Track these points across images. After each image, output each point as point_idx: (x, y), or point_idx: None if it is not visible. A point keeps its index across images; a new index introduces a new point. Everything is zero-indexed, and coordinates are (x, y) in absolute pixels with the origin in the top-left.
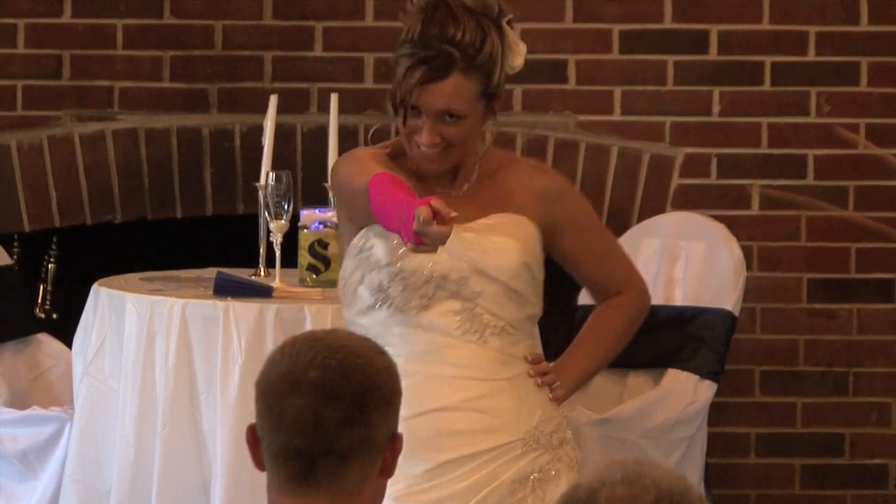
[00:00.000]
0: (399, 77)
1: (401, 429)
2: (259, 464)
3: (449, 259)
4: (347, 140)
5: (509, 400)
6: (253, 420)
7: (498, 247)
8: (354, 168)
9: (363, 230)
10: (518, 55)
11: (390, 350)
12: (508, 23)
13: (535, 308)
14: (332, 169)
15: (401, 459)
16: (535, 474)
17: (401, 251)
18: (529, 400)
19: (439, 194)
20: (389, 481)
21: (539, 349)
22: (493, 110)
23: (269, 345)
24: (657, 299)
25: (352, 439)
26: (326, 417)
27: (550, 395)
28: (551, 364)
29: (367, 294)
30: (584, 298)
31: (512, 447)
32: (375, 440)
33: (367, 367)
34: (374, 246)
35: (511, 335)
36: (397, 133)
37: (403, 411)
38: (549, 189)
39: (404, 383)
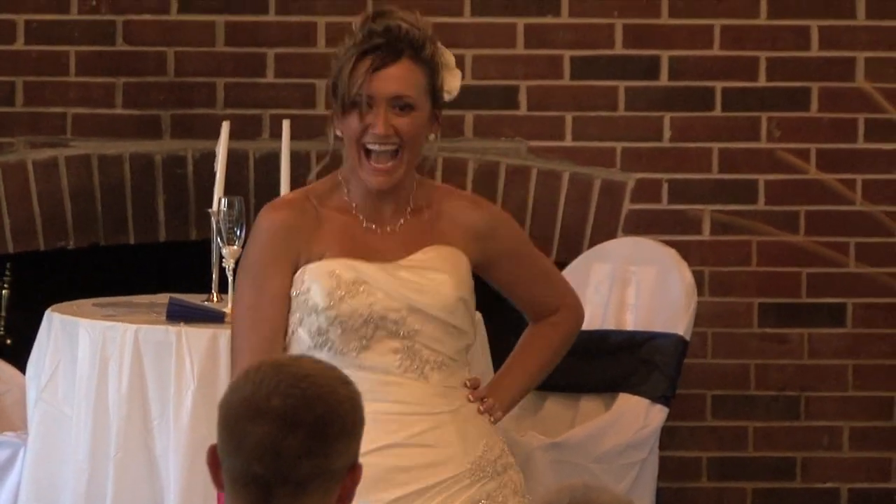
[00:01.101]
0: (346, 75)
1: None
2: (219, 485)
3: (386, 299)
4: (299, 165)
5: (454, 432)
6: (206, 445)
7: (434, 285)
8: (244, 273)
9: (298, 271)
10: (455, 78)
11: None
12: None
13: (470, 338)
14: (259, 218)
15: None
16: (484, 501)
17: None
18: (472, 429)
19: (371, 231)
20: None
21: (480, 374)
22: (437, 119)
23: (223, 370)
24: (609, 324)
25: (311, 468)
26: (286, 446)
27: (490, 419)
28: (486, 385)
29: (307, 337)
30: None
31: (460, 478)
32: (335, 469)
33: (330, 397)
34: (310, 289)
35: (449, 367)
36: (338, 166)
37: None
38: (480, 225)
39: None
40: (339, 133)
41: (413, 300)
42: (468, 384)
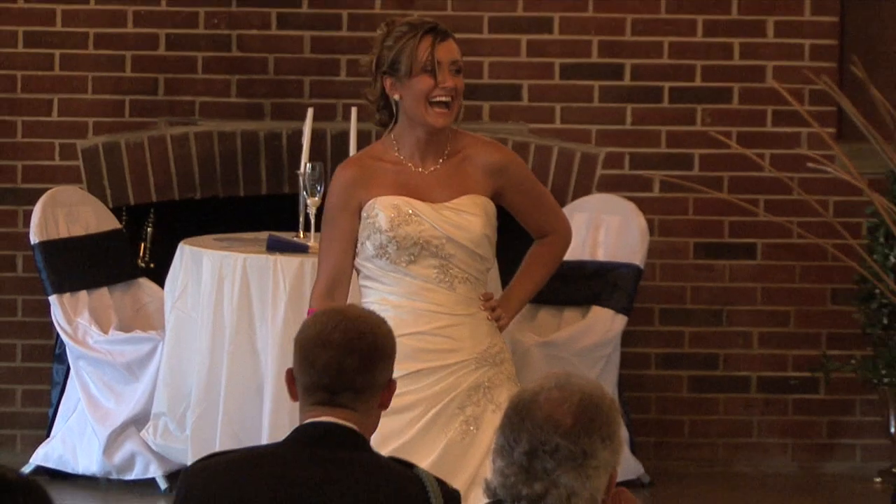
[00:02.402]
0: (413, 48)
1: None
2: (294, 396)
3: (430, 229)
4: (363, 141)
5: (467, 330)
6: (293, 342)
7: (467, 223)
8: (325, 217)
9: (370, 201)
10: None
11: (385, 288)
12: None
13: (490, 263)
14: (333, 176)
15: None
16: (486, 383)
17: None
18: (481, 331)
19: (416, 174)
20: None
21: (491, 288)
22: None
23: (307, 287)
24: (585, 256)
25: (363, 380)
26: (346, 365)
27: (497, 325)
28: (498, 297)
29: (371, 248)
30: None
31: (467, 364)
32: (378, 382)
33: (375, 331)
34: (378, 215)
35: (472, 283)
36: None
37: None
38: (495, 164)
39: (394, 313)
40: (397, 97)
41: (451, 233)
42: (482, 297)
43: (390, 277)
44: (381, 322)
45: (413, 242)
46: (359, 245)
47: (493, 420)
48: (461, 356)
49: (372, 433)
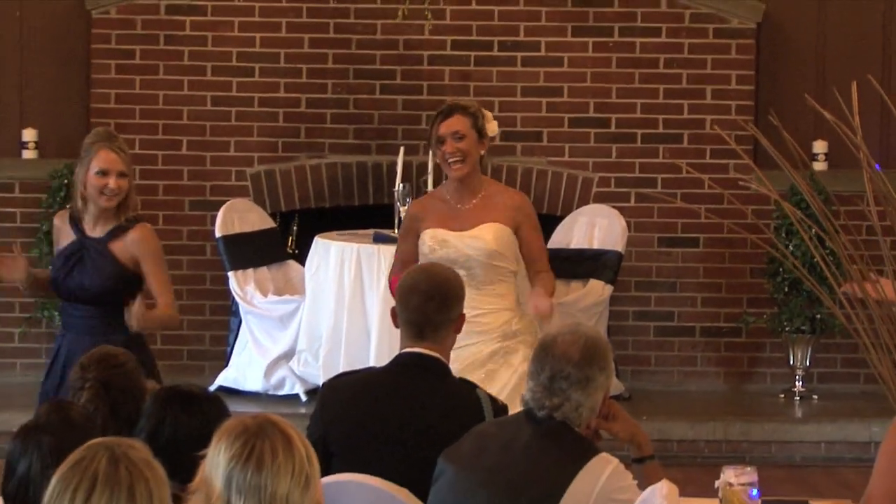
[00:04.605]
0: (433, 130)
1: None
2: (396, 325)
3: (456, 251)
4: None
5: (491, 317)
6: (391, 305)
7: (480, 244)
8: (401, 230)
9: (423, 232)
10: (492, 125)
11: None
12: (481, 113)
13: (513, 267)
14: (410, 205)
15: None
16: (503, 350)
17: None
18: (502, 318)
19: (457, 210)
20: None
21: (517, 293)
22: (484, 144)
23: None
24: (584, 245)
25: (442, 317)
26: (430, 307)
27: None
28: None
29: (423, 259)
30: None
31: (491, 333)
32: (453, 317)
33: (451, 282)
34: (424, 242)
35: (496, 284)
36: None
37: None
38: (514, 205)
39: None
40: (438, 160)
41: (469, 253)
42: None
43: None
44: (454, 274)
45: (446, 259)
46: (420, 257)
47: (504, 375)
48: (488, 330)
49: (449, 352)
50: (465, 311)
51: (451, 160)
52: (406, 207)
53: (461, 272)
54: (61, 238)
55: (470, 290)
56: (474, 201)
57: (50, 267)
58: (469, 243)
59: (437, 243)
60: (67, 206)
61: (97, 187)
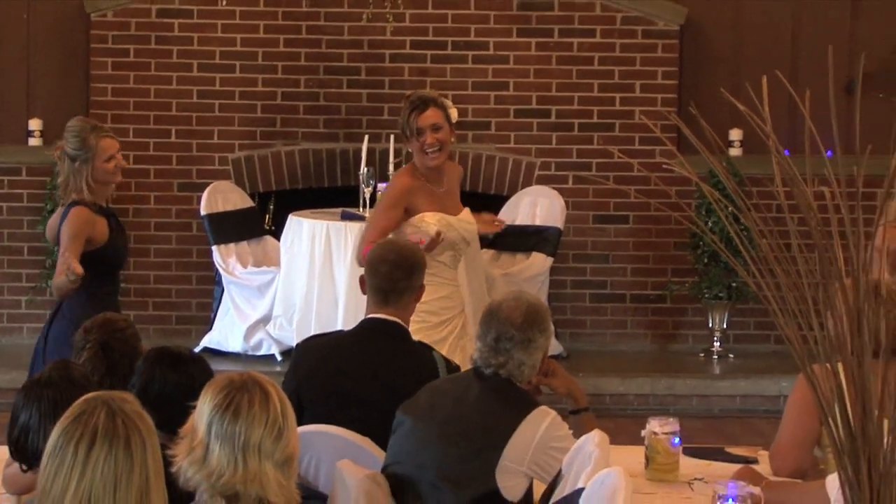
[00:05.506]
0: (408, 121)
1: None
2: (364, 291)
3: (457, 234)
4: (396, 154)
5: (467, 289)
6: (359, 275)
7: (473, 227)
8: (385, 201)
9: (419, 213)
10: (454, 111)
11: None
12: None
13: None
14: (397, 175)
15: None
16: (465, 320)
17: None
18: (475, 288)
19: (437, 192)
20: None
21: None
22: (454, 131)
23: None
24: (528, 221)
25: (406, 284)
26: (395, 276)
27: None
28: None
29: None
30: None
31: (462, 314)
32: (414, 286)
33: (414, 256)
34: (428, 224)
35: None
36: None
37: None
38: (460, 175)
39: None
40: (410, 149)
41: (465, 236)
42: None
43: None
44: (416, 248)
45: (448, 241)
46: (401, 235)
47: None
48: (461, 304)
49: (409, 320)
50: (443, 286)
51: (430, 150)
52: (368, 189)
53: (449, 252)
54: (96, 227)
55: (452, 268)
56: (445, 185)
57: (104, 254)
58: (465, 227)
59: (443, 226)
60: (78, 204)
61: (109, 171)
